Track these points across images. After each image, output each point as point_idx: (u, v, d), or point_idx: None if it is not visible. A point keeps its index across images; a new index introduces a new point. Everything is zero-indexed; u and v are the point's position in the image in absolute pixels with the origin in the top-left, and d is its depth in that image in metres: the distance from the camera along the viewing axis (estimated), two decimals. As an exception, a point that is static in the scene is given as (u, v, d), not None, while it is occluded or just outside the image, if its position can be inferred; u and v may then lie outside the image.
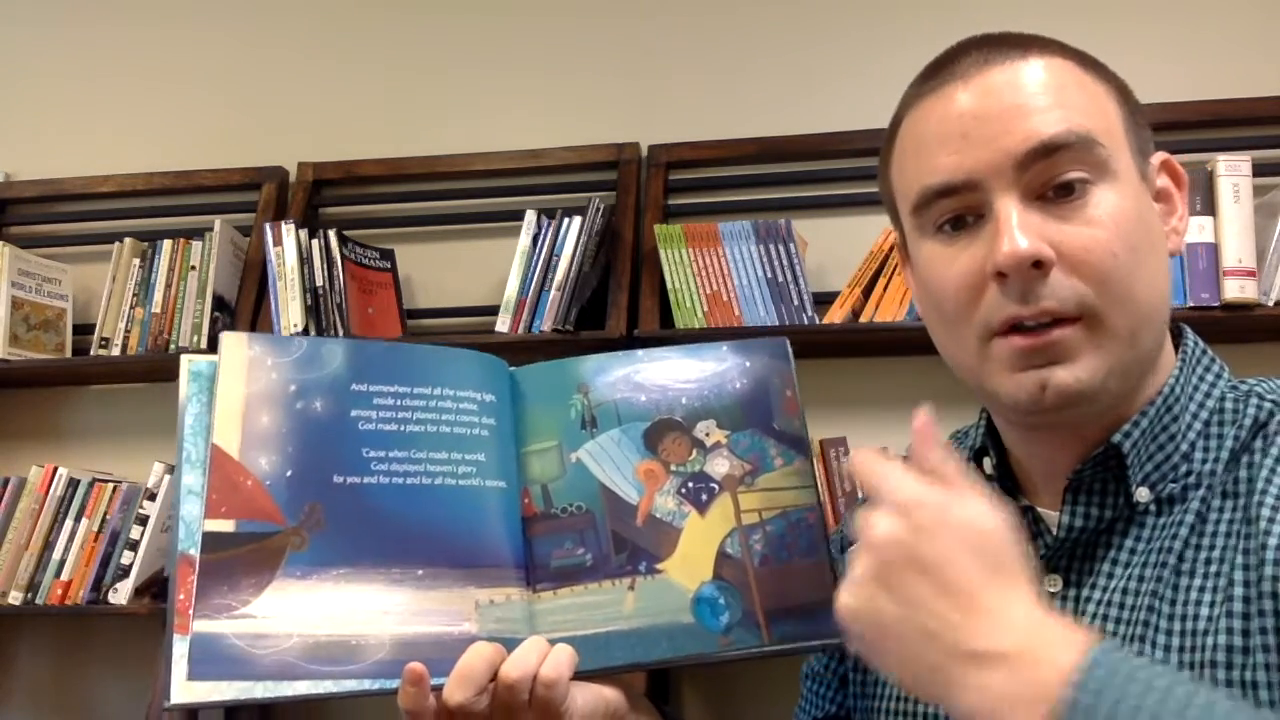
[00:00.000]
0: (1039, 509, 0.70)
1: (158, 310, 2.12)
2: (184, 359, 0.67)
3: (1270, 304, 1.75)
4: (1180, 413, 0.66)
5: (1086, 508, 0.66)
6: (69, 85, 2.44)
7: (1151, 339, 0.65)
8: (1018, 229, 0.61)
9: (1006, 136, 0.62)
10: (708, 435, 0.72)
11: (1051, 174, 0.62)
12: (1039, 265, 0.61)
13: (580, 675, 0.63)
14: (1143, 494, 0.65)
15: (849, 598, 0.54)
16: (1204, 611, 0.60)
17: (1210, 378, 0.68)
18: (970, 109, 0.64)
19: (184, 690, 0.58)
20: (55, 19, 2.47)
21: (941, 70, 0.67)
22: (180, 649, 0.59)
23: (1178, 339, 0.70)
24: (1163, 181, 0.68)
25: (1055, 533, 0.67)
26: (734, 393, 0.73)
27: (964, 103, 0.64)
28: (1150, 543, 0.64)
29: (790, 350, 0.75)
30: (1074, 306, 0.61)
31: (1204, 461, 0.64)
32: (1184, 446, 0.65)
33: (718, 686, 2.02)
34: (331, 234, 2.04)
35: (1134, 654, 0.49)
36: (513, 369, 0.73)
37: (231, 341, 0.67)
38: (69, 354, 2.21)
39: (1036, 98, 0.63)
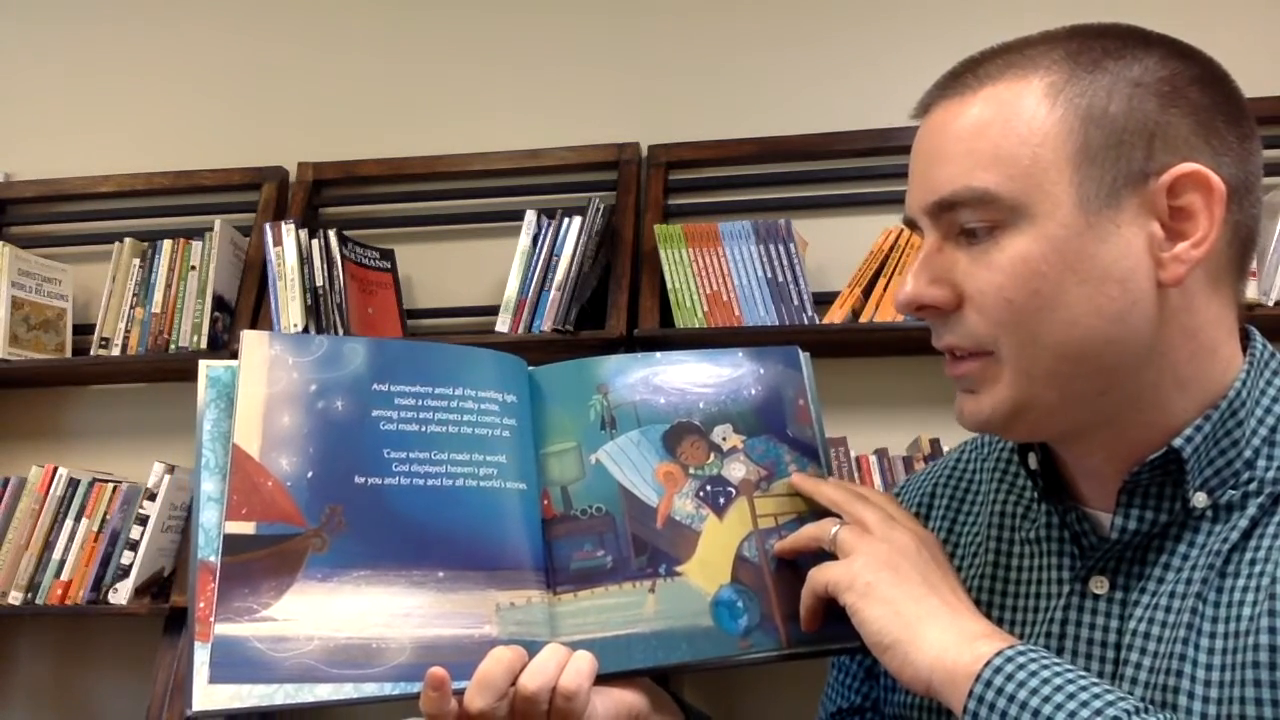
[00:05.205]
0: (1083, 508, 0.69)
1: (158, 310, 2.12)
2: (202, 364, 0.66)
3: (1270, 304, 1.76)
4: (1245, 418, 0.64)
5: (1141, 510, 0.64)
6: (69, 85, 2.44)
7: (1092, 374, 0.62)
8: (912, 274, 0.65)
9: (921, 186, 0.65)
10: (724, 440, 0.72)
11: (956, 222, 0.63)
12: (930, 307, 0.64)
13: (601, 678, 0.63)
14: (1200, 499, 0.63)
15: (844, 569, 0.64)
16: (1245, 612, 0.59)
17: (1278, 382, 0.66)
18: (915, 146, 0.66)
19: (205, 695, 0.57)
20: (55, 19, 2.47)
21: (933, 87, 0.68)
22: (201, 656, 0.58)
23: (1246, 341, 0.68)
24: (1184, 200, 0.60)
25: (1108, 533, 0.66)
26: (750, 399, 0.73)
27: (918, 136, 0.66)
28: (1203, 548, 0.63)
29: (804, 359, 0.76)
30: (972, 344, 0.64)
31: (1267, 469, 0.63)
32: (1247, 453, 0.63)
33: (717, 685, 2.02)
34: (331, 234, 2.04)
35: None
36: (531, 368, 0.73)
37: (252, 340, 0.66)
38: (69, 354, 2.21)
39: (950, 146, 0.63)
